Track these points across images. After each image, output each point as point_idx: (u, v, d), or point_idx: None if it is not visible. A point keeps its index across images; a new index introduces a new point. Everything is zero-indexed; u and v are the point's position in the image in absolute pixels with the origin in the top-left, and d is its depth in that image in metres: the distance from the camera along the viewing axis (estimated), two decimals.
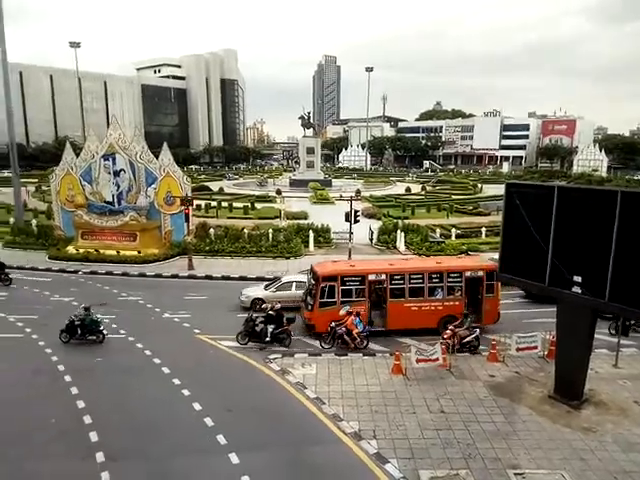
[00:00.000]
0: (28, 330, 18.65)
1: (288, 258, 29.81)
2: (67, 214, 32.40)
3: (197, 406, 13.09)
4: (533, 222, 12.58)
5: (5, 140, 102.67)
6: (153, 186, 31.05)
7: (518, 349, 16.15)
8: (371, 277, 18.51)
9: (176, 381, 14.60)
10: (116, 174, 30.88)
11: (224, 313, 20.91)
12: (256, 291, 21.82)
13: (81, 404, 13.23)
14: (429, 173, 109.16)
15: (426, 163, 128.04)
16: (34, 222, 36.34)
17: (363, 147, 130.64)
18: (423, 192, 66.89)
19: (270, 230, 33.33)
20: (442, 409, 13.15)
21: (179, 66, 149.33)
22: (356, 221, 27.36)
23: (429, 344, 16.18)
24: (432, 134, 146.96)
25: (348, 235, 29.53)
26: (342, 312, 17.59)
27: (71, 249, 30.35)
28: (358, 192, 57.86)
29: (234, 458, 10.91)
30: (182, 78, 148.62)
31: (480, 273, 18.72)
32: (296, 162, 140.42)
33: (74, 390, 14.03)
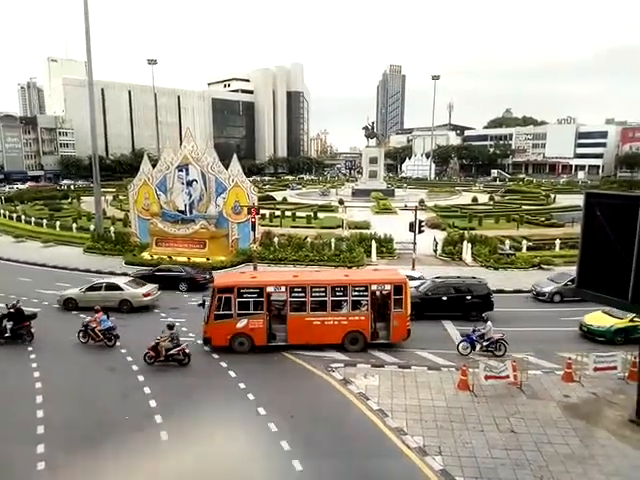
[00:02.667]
0: None
1: (350, 267, 29.80)
2: (143, 222, 34.31)
3: (262, 411, 13.33)
4: (615, 234, 11.79)
5: (88, 152, 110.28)
6: (222, 196, 32.23)
7: (596, 369, 15.15)
8: (269, 289, 17.74)
9: (242, 385, 14.95)
10: (189, 184, 32.40)
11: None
12: (70, 291, 23.17)
13: (153, 404, 13.86)
14: (497, 182, 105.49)
15: (494, 172, 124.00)
16: (112, 229, 38.80)
17: (427, 156, 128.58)
18: (491, 202, 64.73)
19: (332, 239, 33.55)
20: (512, 428, 12.56)
21: (248, 80, 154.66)
22: (420, 231, 26.95)
23: (499, 361, 15.55)
24: (501, 142, 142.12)
25: (411, 245, 29.13)
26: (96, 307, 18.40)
27: (146, 255, 32.06)
28: (422, 202, 56.97)
29: (297, 465, 10.99)
30: (250, 92, 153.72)
31: (387, 287, 17.82)
32: (358, 172, 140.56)
33: (147, 390, 14.73)
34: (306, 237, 34.83)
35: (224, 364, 16.57)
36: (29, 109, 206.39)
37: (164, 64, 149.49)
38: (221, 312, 17.55)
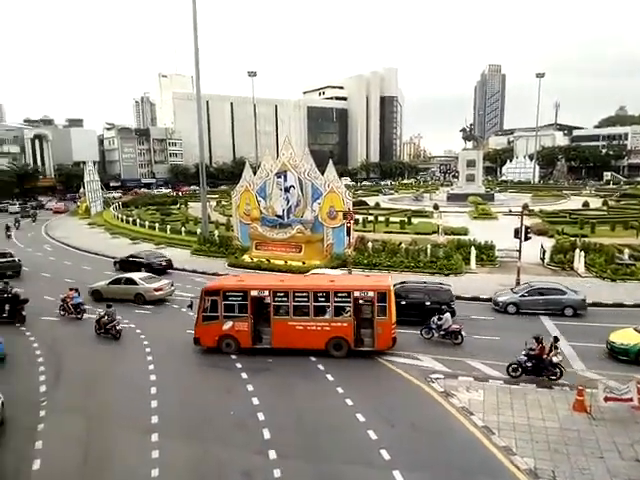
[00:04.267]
0: None
1: (447, 275, 28.81)
2: (244, 226, 35.94)
3: (361, 417, 13.24)
4: None
5: (194, 161, 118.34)
6: (318, 201, 32.78)
7: None
8: (253, 293, 17.95)
9: (340, 390, 14.99)
10: (287, 190, 33.39)
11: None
12: (97, 284, 26.09)
13: (256, 401, 14.36)
14: (611, 186, 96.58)
15: (607, 175, 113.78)
16: (216, 233, 41.07)
17: (530, 158, 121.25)
18: (605, 207, 59.34)
19: (428, 245, 32.68)
20: (638, 457, 11.29)
21: (342, 87, 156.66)
22: (527, 238, 25.33)
23: (622, 382, 14.09)
24: (614, 142, 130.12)
25: (515, 253, 27.47)
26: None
27: (246, 258, 33.53)
28: (526, 206, 53.61)
29: (398, 476, 10.75)
30: (344, 98, 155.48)
31: (371, 294, 17.39)
32: (454, 176, 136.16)
33: (250, 387, 15.30)
34: (400, 243, 34.30)
35: (321, 367, 16.73)
36: (142, 122, 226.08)
37: (263, 75, 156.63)
38: (208, 314, 18.08)
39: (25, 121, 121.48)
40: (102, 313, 20.33)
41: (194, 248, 38.44)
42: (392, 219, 49.24)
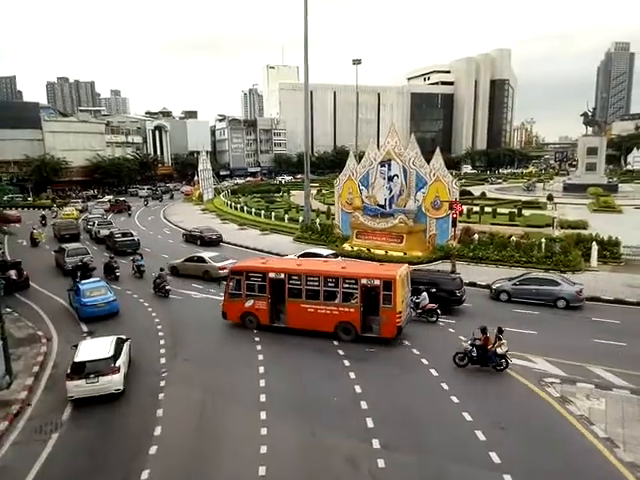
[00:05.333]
0: None
1: (564, 272, 26.63)
2: (346, 215, 36.17)
3: (467, 416, 12.77)
4: None
5: (296, 150, 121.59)
6: (422, 190, 31.95)
7: None
8: (271, 275, 19.07)
9: (444, 386, 14.58)
10: (390, 179, 32.96)
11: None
12: (175, 261, 29.09)
13: (358, 389, 14.46)
14: None
15: None
16: (318, 221, 41.83)
17: None
18: None
19: (543, 239, 30.45)
20: None
21: (448, 71, 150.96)
22: None
23: None
24: None
25: None
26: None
27: (347, 246, 33.75)
28: None
29: None
30: (450, 83, 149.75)
31: (377, 282, 17.65)
32: (571, 164, 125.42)
33: (352, 375, 15.44)
34: (511, 236, 32.33)
35: (425, 361, 16.38)
36: (249, 113, 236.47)
37: (367, 63, 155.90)
38: (233, 292, 19.85)
39: (146, 113, 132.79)
40: (156, 276, 24.91)
41: (297, 235, 39.50)
42: (500, 210, 46.64)
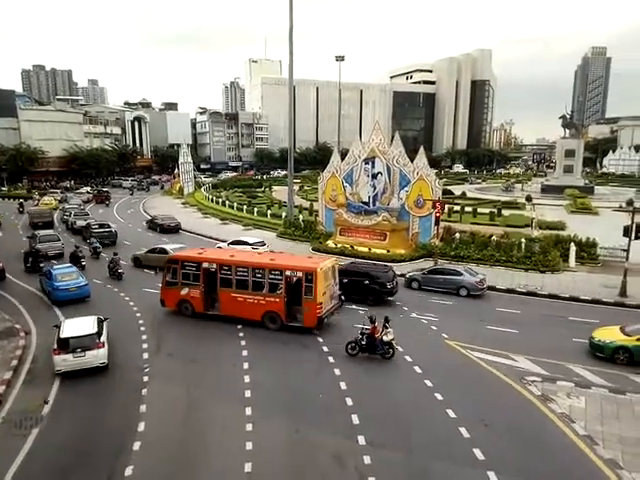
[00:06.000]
0: None
1: (543, 272, 27.23)
2: (329, 212, 36.19)
3: (451, 413, 12.93)
4: None
5: (278, 145, 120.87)
6: (405, 189, 32.16)
7: None
8: (205, 265, 19.96)
9: (428, 383, 14.72)
10: (374, 177, 33.08)
11: (474, 322, 20.26)
12: (138, 252, 29.76)
13: (343, 386, 14.50)
14: None
15: None
16: (301, 217, 41.75)
17: (636, 150, 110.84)
18: None
19: (523, 239, 30.99)
20: None
21: (430, 71, 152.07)
22: (637, 237, 23.18)
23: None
24: None
25: (622, 253, 25.31)
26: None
27: (330, 243, 33.78)
28: (631, 202, 49.24)
29: (493, 477, 10.40)
30: (432, 82, 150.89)
31: (299, 274, 18.44)
32: (548, 166, 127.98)
33: (337, 372, 15.48)
34: (491, 235, 32.82)
35: (408, 358, 16.52)
36: (231, 106, 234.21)
37: (350, 60, 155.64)
38: (170, 280, 20.63)
39: (125, 104, 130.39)
40: (109, 260, 27.25)
41: (280, 231, 39.35)
42: (480, 210, 47.30)
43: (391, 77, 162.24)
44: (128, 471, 10.66)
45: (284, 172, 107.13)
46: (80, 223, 39.37)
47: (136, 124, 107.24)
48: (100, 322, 16.59)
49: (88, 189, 71.48)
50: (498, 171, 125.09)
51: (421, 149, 32.81)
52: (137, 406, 13.37)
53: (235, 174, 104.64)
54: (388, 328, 16.12)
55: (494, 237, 32.21)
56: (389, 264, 25.93)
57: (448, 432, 12.17)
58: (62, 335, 15.27)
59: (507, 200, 57.67)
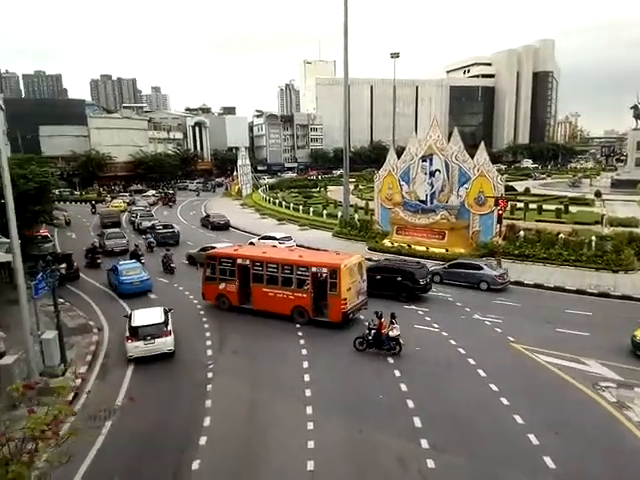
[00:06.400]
0: None
1: (616, 272, 25.63)
2: (385, 211, 35.80)
3: (518, 419, 12.42)
4: None
5: (333, 145, 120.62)
6: (465, 186, 31.25)
7: None
8: (239, 261, 20.87)
9: (493, 387, 14.22)
10: (431, 174, 32.37)
11: (541, 324, 19.35)
12: (192, 250, 31.23)
13: (404, 388, 14.29)
14: None
15: None
16: (356, 216, 41.59)
17: None
18: None
19: (593, 237, 29.28)
20: None
21: (489, 64, 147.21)
22: None
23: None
24: None
25: None
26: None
27: (387, 242, 33.44)
28: None
29: None
30: (491, 76, 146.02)
31: (324, 270, 19.00)
32: (618, 160, 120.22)
33: (397, 373, 15.27)
34: (558, 233, 31.23)
35: (472, 361, 16.02)
36: (286, 108, 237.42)
37: (405, 56, 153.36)
38: (210, 275, 21.71)
39: (186, 109, 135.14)
40: (162, 255, 29.16)
41: (335, 231, 39.39)
42: (545, 206, 45.19)
43: (447, 72, 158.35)
44: (195, 465, 11.02)
45: (340, 171, 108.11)
46: (145, 224, 41.67)
47: (197, 129, 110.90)
48: (166, 312, 17.80)
49: (154, 192, 74.80)
50: (571, 165, 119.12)
51: (482, 144, 31.77)
52: (202, 401, 13.81)
53: (294, 175, 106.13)
54: (394, 324, 16.30)
55: (561, 235, 30.62)
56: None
57: (515, 438, 11.70)
58: (133, 324, 16.66)
59: (574, 196, 54.67)
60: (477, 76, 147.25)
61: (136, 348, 16.31)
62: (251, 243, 33.77)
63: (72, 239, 40.43)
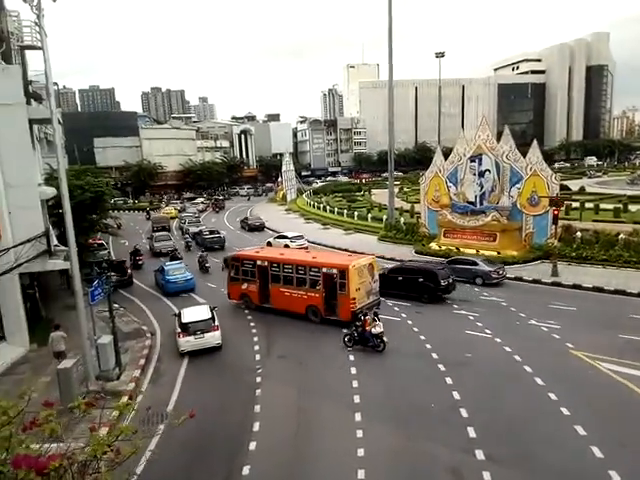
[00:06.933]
0: (404, 316, 21.03)
1: None
2: (432, 213, 35.06)
3: (580, 430, 11.69)
4: None
5: (377, 148, 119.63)
6: (517, 186, 30.15)
7: None
8: (259, 262, 21.99)
9: (552, 396, 13.48)
10: (481, 175, 31.42)
11: (600, 329, 18.30)
12: (228, 254, 29.20)
13: (457, 396, 13.79)
14: None
15: None
16: (402, 220, 40.97)
17: None
18: None
19: None
20: None
21: (539, 60, 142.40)
22: None
23: None
24: None
25: None
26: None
27: (434, 245, 32.70)
28: None
29: None
30: (542, 72, 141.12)
31: (334, 271, 19.59)
32: None
33: (449, 380, 14.77)
34: (618, 233, 29.54)
35: (528, 368, 15.27)
36: (329, 113, 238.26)
37: (450, 55, 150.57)
38: (233, 276, 22.87)
39: (232, 118, 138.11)
40: (198, 256, 31.27)
41: (381, 234, 38.94)
42: (602, 206, 42.94)
43: (495, 69, 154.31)
44: (245, 470, 11.01)
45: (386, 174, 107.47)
46: (193, 230, 43.64)
47: (242, 136, 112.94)
48: (211, 310, 18.89)
49: (202, 199, 76.78)
50: (630, 162, 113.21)
51: (534, 142, 30.56)
52: (252, 406, 13.85)
53: (345, 178, 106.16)
54: (376, 322, 17.07)
55: (622, 235, 28.96)
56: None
57: (577, 450, 11.01)
58: (183, 321, 17.83)
59: (634, 194, 51.67)
60: (526, 72, 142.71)
61: (187, 342, 17.42)
62: (268, 243, 36.46)
63: (125, 246, 42.00)
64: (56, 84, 15.01)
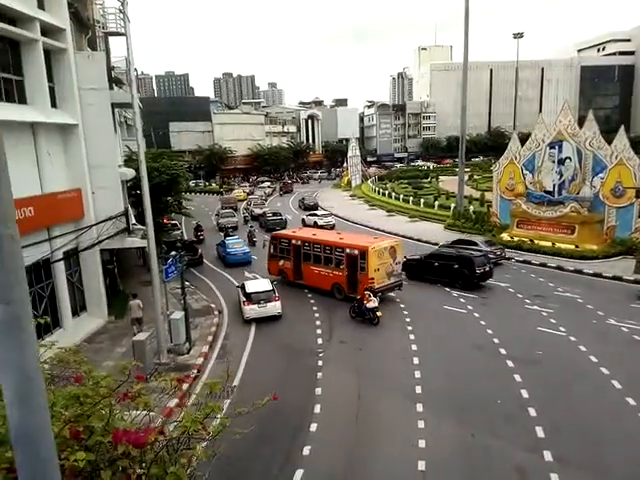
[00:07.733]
0: (470, 308, 20.43)
1: None
2: (505, 202, 33.56)
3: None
4: None
5: (446, 133, 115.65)
6: (600, 175, 28.14)
7: None
8: (293, 242, 23.59)
9: (630, 401, 12.60)
10: (560, 162, 29.60)
11: None
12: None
13: (525, 394, 13.23)
14: None
15: None
16: (471, 208, 39.55)
17: None
18: None
19: None
20: None
21: (628, 40, 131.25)
22: None
23: None
24: None
25: None
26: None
27: (505, 236, 31.35)
28: None
29: None
30: (631, 53, 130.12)
31: (356, 251, 20.88)
32: None
33: (517, 378, 14.20)
34: None
35: (605, 371, 14.35)
36: (397, 98, 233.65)
37: (529, 35, 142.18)
38: (272, 253, 24.79)
39: (300, 103, 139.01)
40: (247, 231, 35.08)
41: (447, 223, 37.88)
42: None
43: (578, 50, 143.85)
44: (305, 451, 11.21)
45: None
46: (257, 211, 46.90)
47: (309, 122, 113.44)
48: (271, 282, 20.95)
49: (268, 183, 78.30)
50: None
51: (621, 129, 28.31)
52: (313, 389, 14.05)
53: (430, 164, 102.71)
54: (371, 297, 18.62)
55: None
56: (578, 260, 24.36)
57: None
58: (248, 291, 19.77)
59: None
60: (613, 54, 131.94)
61: (252, 310, 19.22)
62: (302, 220, 40.78)
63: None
64: (135, 70, 15.80)
